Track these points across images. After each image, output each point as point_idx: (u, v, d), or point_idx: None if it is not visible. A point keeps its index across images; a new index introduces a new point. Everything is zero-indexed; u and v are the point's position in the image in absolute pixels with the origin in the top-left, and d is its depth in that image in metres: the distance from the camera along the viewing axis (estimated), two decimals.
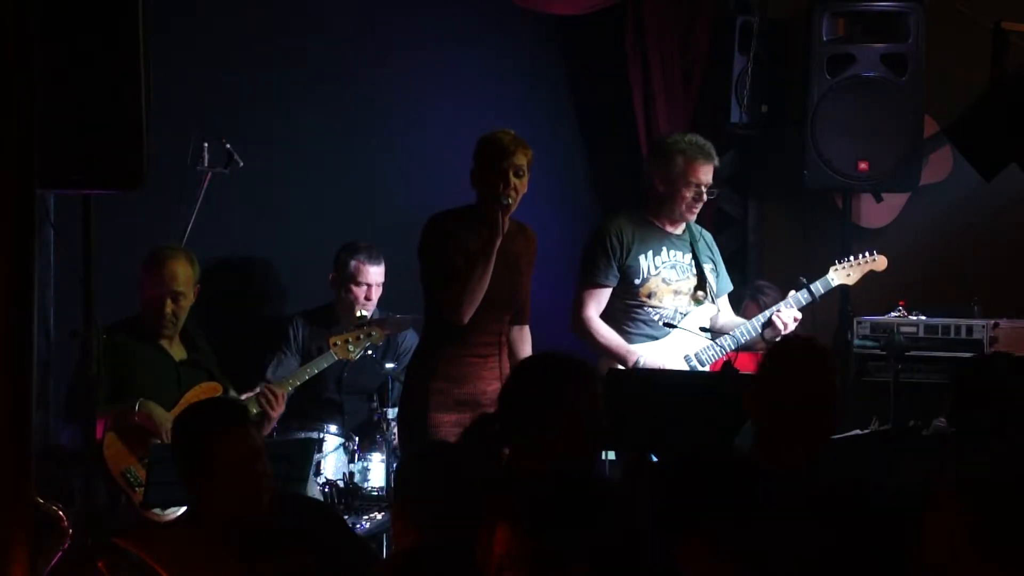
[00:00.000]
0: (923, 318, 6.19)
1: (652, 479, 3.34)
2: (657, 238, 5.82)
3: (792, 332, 5.80)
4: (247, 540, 3.67)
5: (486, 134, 5.23)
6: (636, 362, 5.66)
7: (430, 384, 5.17)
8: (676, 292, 5.80)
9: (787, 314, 5.79)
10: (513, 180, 5.12)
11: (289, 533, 3.73)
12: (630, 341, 5.75)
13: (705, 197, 5.82)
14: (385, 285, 6.20)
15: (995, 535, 1.92)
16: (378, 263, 6.17)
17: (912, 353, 6.07)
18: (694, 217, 5.88)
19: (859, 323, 6.27)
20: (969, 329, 6.06)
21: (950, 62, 6.63)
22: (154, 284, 5.43)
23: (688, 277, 5.83)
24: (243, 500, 3.68)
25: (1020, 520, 1.91)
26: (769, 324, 5.79)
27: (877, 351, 6.15)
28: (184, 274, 5.45)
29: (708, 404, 4.59)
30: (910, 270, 6.38)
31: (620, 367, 5.62)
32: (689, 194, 5.76)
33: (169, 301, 5.43)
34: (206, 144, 5.91)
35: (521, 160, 5.14)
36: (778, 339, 5.87)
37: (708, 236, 6.02)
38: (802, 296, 5.87)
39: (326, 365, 5.70)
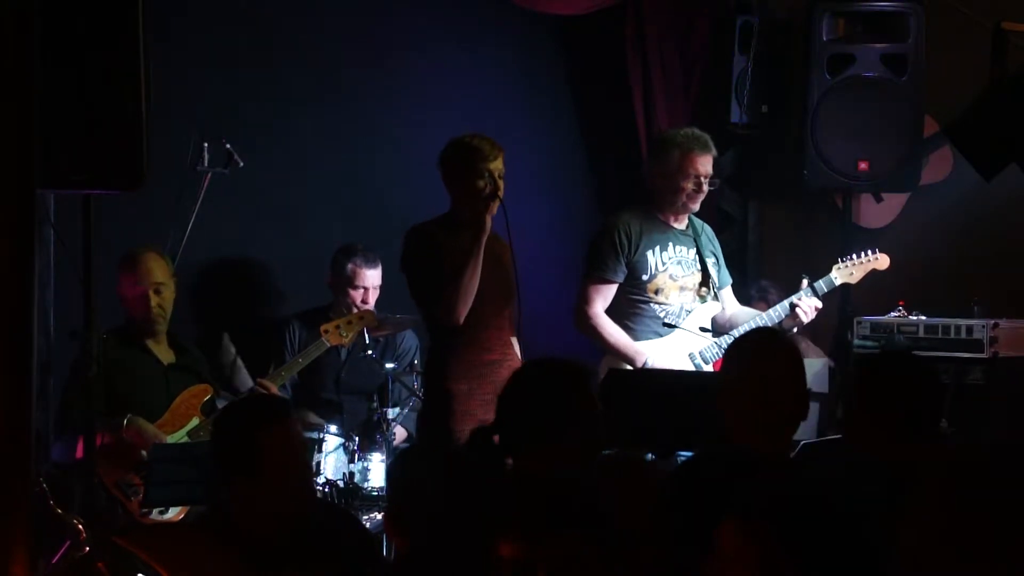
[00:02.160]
0: (923, 318, 6.19)
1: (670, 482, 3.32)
2: (663, 234, 5.82)
3: (811, 321, 5.82)
4: (268, 548, 3.64)
5: (459, 140, 5.24)
6: (644, 363, 5.66)
7: (451, 387, 5.16)
8: (682, 288, 5.81)
9: (808, 303, 5.79)
10: (499, 182, 5.15)
11: (314, 545, 3.70)
12: (635, 338, 5.74)
13: (705, 188, 5.80)
14: (384, 285, 6.20)
15: (972, 533, 1.92)
16: (375, 267, 6.16)
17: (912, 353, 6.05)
18: (696, 208, 5.86)
19: (859, 323, 6.26)
20: (969, 329, 6.05)
21: (950, 62, 6.62)
22: (134, 282, 5.44)
23: (693, 273, 5.83)
24: (292, 495, 3.59)
25: (997, 518, 1.91)
26: (790, 314, 5.80)
27: (877, 351, 6.14)
28: (159, 267, 5.46)
29: (706, 403, 4.58)
30: (910, 270, 6.37)
31: (623, 367, 5.61)
32: (689, 185, 5.76)
33: (152, 294, 5.43)
34: (206, 144, 5.90)
35: (501, 163, 5.20)
36: (795, 329, 5.88)
37: (709, 229, 6.02)
38: (806, 294, 5.87)
39: (318, 353, 5.68)
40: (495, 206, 5.12)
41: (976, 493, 1.94)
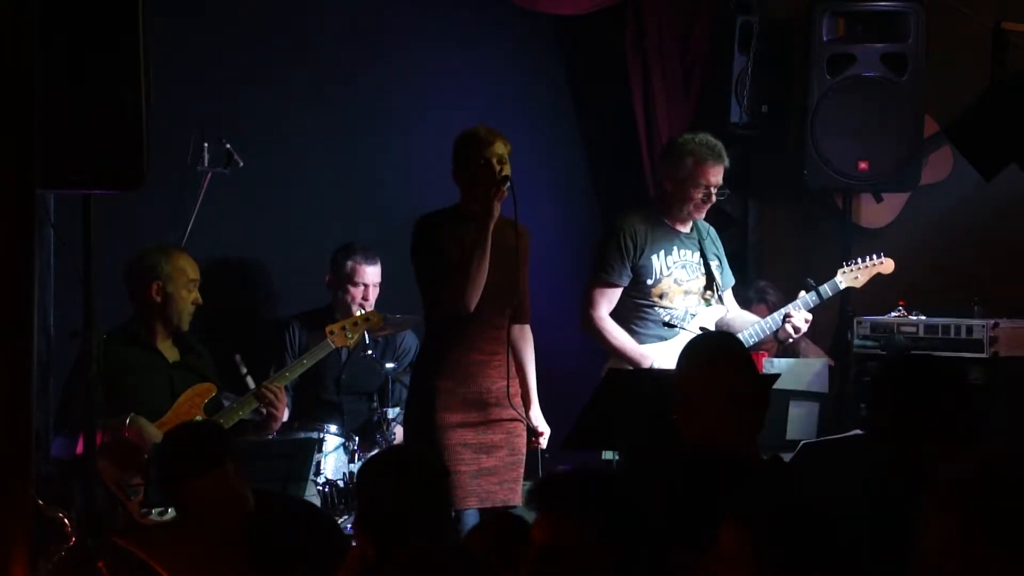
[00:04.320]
0: (923, 318, 6.18)
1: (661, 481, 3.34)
2: (668, 237, 5.81)
3: (803, 333, 5.82)
4: (245, 546, 3.67)
5: (461, 132, 5.25)
6: (650, 366, 5.64)
7: (436, 384, 5.17)
8: (687, 292, 5.80)
9: (799, 317, 5.78)
10: (497, 167, 5.13)
11: (284, 545, 3.72)
12: (639, 341, 5.74)
13: (714, 198, 5.80)
14: (384, 285, 6.20)
15: (993, 531, 1.92)
16: (374, 264, 6.17)
17: (912, 353, 6.05)
18: (702, 216, 5.87)
19: (859, 323, 6.26)
20: (969, 329, 6.05)
21: (950, 62, 6.62)
22: (177, 278, 5.43)
23: (697, 277, 5.83)
24: (211, 535, 3.69)
25: (1017, 517, 1.92)
26: (782, 325, 5.79)
27: (877, 351, 6.15)
28: (193, 265, 5.48)
29: None
30: (910, 270, 6.37)
31: (626, 367, 5.61)
32: (698, 195, 5.75)
33: (196, 293, 5.45)
34: (206, 144, 5.91)
35: (501, 149, 5.17)
36: (790, 340, 5.89)
37: (713, 231, 6.01)
38: (810, 298, 5.86)
39: (323, 355, 5.66)
40: (502, 191, 5.11)
41: (1000, 495, 1.94)
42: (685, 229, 5.86)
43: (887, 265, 6.05)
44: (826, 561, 2.45)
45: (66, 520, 4.36)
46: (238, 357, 5.67)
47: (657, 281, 5.76)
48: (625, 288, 5.77)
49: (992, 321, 6.06)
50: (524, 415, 5.30)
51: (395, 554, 3.21)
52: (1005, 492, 1.93)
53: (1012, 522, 1.91)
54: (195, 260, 5.58)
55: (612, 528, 2.73)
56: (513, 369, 5.28)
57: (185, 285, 5.44)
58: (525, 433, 5.29)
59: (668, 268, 5.78)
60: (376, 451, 5.62)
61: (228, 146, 5.94)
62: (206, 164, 5.92)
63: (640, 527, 2.77)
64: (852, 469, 4.20)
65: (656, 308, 5.77)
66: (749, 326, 5.83)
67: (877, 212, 7.06)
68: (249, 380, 5.63)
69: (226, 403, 5.49)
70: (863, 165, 6.58)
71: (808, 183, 6.68)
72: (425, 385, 5.21)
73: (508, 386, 5.21)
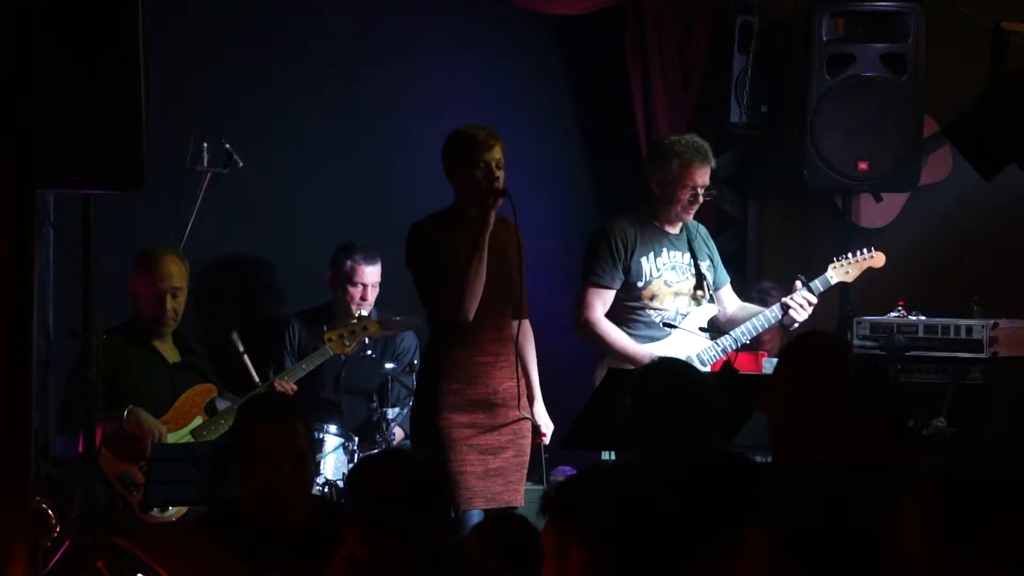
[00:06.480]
0: (923, 318, 6.18)
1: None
2: (657, 239, 5.82)
3: (809, 318, 5.81)
4: (266, 545, 3.65)
5: (457, 130, 5.23)
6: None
7: (443, 386, 5.15)
8: (677, 293, 5.81)
9: (799, 298, 5.77)
10: (496, 172, 5.12)
11: (312, 544, 3.71)
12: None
13: (702, 199, 5.81)
14: (384, 285, 6.21)
15: (965, 529, 1.92)
16: (374, 263, 6.17)
17: (912, 353, 6.06)
18: (690, 217, 5.88)
19: (859, 323, 6.26)
20: (969, 329, 6.05)
21: (950, 62, 6.62)
22: (151, 283, 5.43)
23: (687, 277, 5.84)
24: (273, 489, 3.66)
25: (989, 514, 1.92)
26: (785, 314, 5.80)
27: (877, 351, 6.15)
28: (178, 270, 5.47)
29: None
30: (910, 270, 6.37)
31: (623, 367, 5.61)
32: (685, 196, 5.76)
33: (169, 297, 5.44)
34: (206, 144, 5.91)
35: (499, 153, 5.15)
36: (796, 324, 5.87)
37: (703, 230, 6.03)
38: (799, 294, 5.87)
39: (321, 361, 5.68)
40: (498, 200, 5.10)
41: (967, 490, 1.94)
42: (674, 230, 5.87)
43: (878, 259, 6.06)
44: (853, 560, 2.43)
45: (50, 511, 4.37)
46: (235, 335, 5.69)
47: (647, 283, 5.76)
48: (616, 292, 5.77)
49: (992, 321, 6.06)
50: (530, 414, 5.30)
51: (393, 554, 3.21)
52: (977, 490, 1.94)
53: (984, 521, 1.92)
54: (192, 263, 5.58)
55: (621, 553, 2.69)
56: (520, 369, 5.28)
57: (170, 290, 5.44)
58: (530, 434, 5.29)
59: (658, 270, 5.78)
60: (371, 452, 5.63)
61: (228, 146, 5.94)
62: (206, 164, 5.92)
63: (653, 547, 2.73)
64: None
65: (647, 310, 5.77)
66: (751, 317, 5.83)
67: (877, 212, 7.05)
68: (246, 359, 5.67)
69: (227, 403, 5.50)
70: (863, 165, 6.58)
71: (808, 183, 6.68)
72: (431, 387, 5.20)
73: (517, 386, 5.21)
